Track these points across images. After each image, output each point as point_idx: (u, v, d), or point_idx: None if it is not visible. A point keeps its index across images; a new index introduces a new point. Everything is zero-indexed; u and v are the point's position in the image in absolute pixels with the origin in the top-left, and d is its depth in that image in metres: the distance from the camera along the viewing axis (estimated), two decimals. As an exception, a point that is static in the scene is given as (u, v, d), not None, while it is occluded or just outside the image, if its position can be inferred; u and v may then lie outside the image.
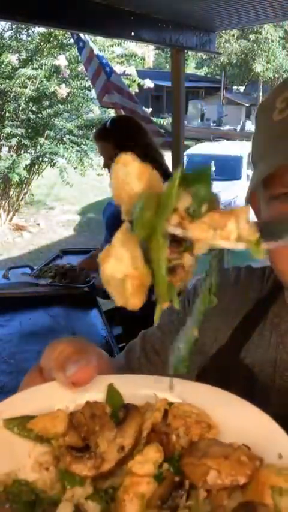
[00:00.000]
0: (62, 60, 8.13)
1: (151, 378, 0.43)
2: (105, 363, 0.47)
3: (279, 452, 0.32)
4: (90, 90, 8.41)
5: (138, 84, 7.71)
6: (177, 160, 4.41)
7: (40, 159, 8.84)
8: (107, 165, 2.62)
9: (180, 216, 0.31)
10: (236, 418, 0.36)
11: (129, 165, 0.36)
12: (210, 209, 0.32)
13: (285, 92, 0.67)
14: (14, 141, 8.33)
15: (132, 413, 0.37)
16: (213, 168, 10.07)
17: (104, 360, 0.48)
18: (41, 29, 8.13)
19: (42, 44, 8.38)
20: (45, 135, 8.67)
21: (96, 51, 4.33)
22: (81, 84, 8.50)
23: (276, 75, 25.01)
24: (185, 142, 4.99)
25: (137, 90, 7.64)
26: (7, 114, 8.48)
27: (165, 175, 2.50)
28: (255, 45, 24.97)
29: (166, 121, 8.71)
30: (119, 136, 2.51)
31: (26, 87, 8.19)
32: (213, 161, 10.25)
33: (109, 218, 2.67)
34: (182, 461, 0.33)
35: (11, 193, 9.32)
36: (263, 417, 0.36)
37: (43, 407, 0.38)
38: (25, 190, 9.55)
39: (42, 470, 0.36)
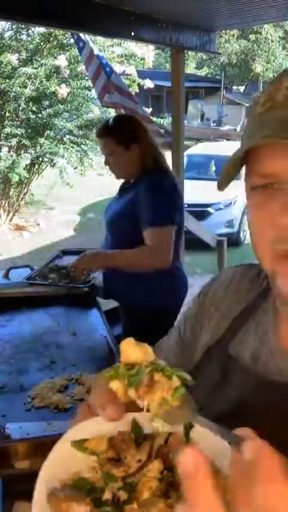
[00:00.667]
0: (62, 60, 8.13)
1: None
2: None
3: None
4: (90, 90, 8.41)
5: (138, 84, 7.71)
6: (177, 160, 4.41)
7: (40, 159, 8.85)
8: (108, 162, 2.62)
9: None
10: (205, 441, 0.56)
11: (123, 346, 0.59)
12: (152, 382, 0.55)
13: (269, 87, 0.69)
14: (14, 141, 8.33)
15: (146, 439, 0.60)
16: (214, 168, 10.07)
17: None
18: (41, 29, 8.14)
19: (42, 44, 8.38)
20: (45, 135, 8.67)
21: (96, 52, 4.33)
22: (81, 84, 8.50)
23: (276, 75, 24.98)
24: (185, 142, 4.99)
25: (137, 90, 7.64)
26: (7, 114, 8.48)
27: (166, 173, 2.49)
28: (255, 45, 24.99)
29: (166, 121, 8.71)
30: (121, 133, 2.52)
31: (26, 87, 8.20)
32: (213, 161, 10.25)
33: (112, 217, 2.67)
34: (174, 469, 0.54)
35: (11, 193, 9.32)
36: (218, 439, 0.53)
37: (94, 433, 0.62)
38: (25, 190, 9.55)
39: (93, 472, 0.59)
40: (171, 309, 2.70)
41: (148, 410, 0.56)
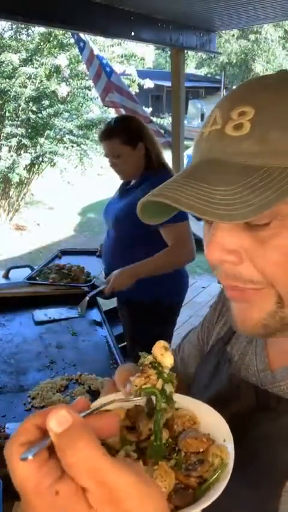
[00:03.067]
0: (62, 60, 8.13)
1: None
2: None
3: (224, 437, 0.64)
4: (90, 90, 8.41)
5: (138, 84, 7.71)
6: (177, 160, 4.41)
7: (40, 159, 8.84)
8: (114, 164, 2.61)
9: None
10: (205, 417, 0.69)
11: (155, 344, 0.68)
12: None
13: (209, 115, 0.65)
14: (14, 141, 8.32)
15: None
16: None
17: None
18: (41, 29, 8.14)
19: (42, 44, 8.38)
20: (45, 135, 8.67)
21: (96, 52, 4.33)
22: (81, 84, 8.50)
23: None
24: (185, 142, 4.99)
25: (137, 90, 7.64)
26: (7, 114, 8.47)
27: (169, 171, 2.49)
28: (255, 45, 24.98)
29: (166, 121, 8.71)
30: (127, 133, 2.52)
31: (26, 87, 8.19)
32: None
33: (118, 216, 2.66)
34: (177, 438, 0.66)
35: (11, 193, 9.32)
36: (217, 416, 0.67)
37: (115, 405, 0.70)
38: (25, 190, 9.54)
39: (113, 436, 0.67)
40: (172, 305, 2.73)
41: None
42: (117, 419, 0.51)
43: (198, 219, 0.70)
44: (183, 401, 0.73)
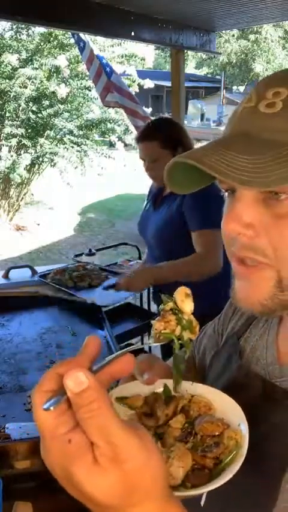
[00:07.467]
0: (62, 60, 8.13)
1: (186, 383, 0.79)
2: (164, 370, 0.81)
3: (239, 422, 0.66)
4: (90, 90, 8.41)
5: (138, 84, 7.71)
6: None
7: (40, 159, 8.84)
8: (150, 167, 2.49)
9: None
10: (220, 402, 0.72)
11: (179, 290, 0.70)
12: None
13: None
14: (14, 141, 8.32)
15: (173, 399, 0.75)
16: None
17: (165, 368, 0.84)
18: (41, 29, 8.13)
19: (42, 44, 8.37)
20: (45, 135, 8.66)
21: (96, 52, 4.33)
22: (81, 84, 8.50)
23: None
24: (185, 143, 4.99)
25: (137, 90, 7.64)
26: (7, 114, 8.47)
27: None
28: (255, 45, 25.01)
29: (166, 121, 8.69)
30: (168, 137, 2.44)
31: (26, 87, 8.19)
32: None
33: (159, 229, 2.56)
34: (193, 422, 0.70)
35: (11, 193, 9.31)
36: (231, 401, 0.70)
37: (133, 392, 0.77)
38: (25, 190, 9.54)
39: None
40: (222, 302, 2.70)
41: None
42: (132, 358, 0.53)
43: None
44: (199, 389, 0.76)
